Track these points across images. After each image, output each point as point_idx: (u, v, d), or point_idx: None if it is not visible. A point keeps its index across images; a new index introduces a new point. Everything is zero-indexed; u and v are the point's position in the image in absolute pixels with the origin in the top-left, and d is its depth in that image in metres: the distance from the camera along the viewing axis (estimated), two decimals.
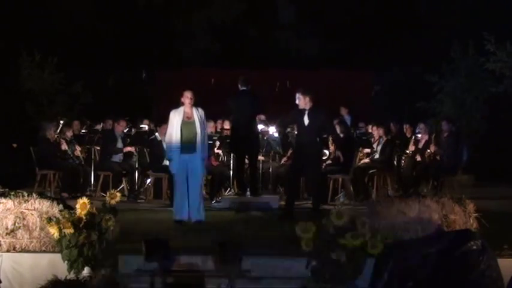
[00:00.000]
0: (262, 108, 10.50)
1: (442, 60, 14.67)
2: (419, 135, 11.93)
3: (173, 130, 8.40)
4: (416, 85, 15.26)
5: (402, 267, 5.37)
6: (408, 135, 12.56)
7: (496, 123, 14.53)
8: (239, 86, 10.05)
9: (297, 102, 9.00)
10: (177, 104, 8.57)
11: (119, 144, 11.26)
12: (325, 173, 10.54)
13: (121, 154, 11.29)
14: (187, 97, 8.40)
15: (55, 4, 17.63)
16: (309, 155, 8.90)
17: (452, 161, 11.37)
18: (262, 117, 11.25)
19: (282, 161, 11.47)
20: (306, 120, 8.89)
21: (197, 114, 8.40)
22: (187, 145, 8.34)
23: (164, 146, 10.58)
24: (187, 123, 8.38)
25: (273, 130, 10.91)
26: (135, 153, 11.35)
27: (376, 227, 5.86)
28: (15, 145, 11.30)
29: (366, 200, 9.95)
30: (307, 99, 8.92)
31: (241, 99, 9.96)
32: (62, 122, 11.85)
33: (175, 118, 8.41)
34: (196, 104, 8.49)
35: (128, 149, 11.29)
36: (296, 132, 9.56)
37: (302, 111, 8.93)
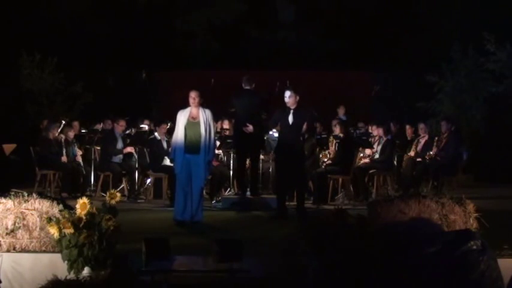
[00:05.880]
0: (266, 108, 10.47)
1: (442, 60, 14.66)
2: (422, 141, 11.89)
3: (178, 130, 8.36)
4: (416, 85, 15.24)
5: (402, 267, 5.37)
6: (409, 136, 12.55)
7: (496, 123, 14.53)
8: (242, 85, 10.03)
9: (286, 100, 8.91)
10: (177, 104, 8.55)
11: (119, 145, 11.23)
12: (325, 172, 10.54)
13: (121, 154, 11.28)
14: (190, 97, 8.34)
15: (55, 4, 17.62)
16: (291, 154, 8.86)
17: (452, 161, 11.38)
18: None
19: None
20: (291, 119, 8.86)
21: (203, 115, 8.33)
22: (191, 146, 8.30)
23: (164, 145, 10.63)
24: (192, 123, 8.32)
25: (273, 130, 10.89)
26: (135, 154, 11.32)
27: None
28: (10, 145, 11.20)
29: (366, 200, 9.95)
30: (297, 98, 8.93)
31: (244, 99, 9.94)
32: (64, 122, 11.85)
33: (181, 118, 8.36)
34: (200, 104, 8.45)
35: (128, 149, 11.24)
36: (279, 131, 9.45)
37: (287, 110, 8.91)
